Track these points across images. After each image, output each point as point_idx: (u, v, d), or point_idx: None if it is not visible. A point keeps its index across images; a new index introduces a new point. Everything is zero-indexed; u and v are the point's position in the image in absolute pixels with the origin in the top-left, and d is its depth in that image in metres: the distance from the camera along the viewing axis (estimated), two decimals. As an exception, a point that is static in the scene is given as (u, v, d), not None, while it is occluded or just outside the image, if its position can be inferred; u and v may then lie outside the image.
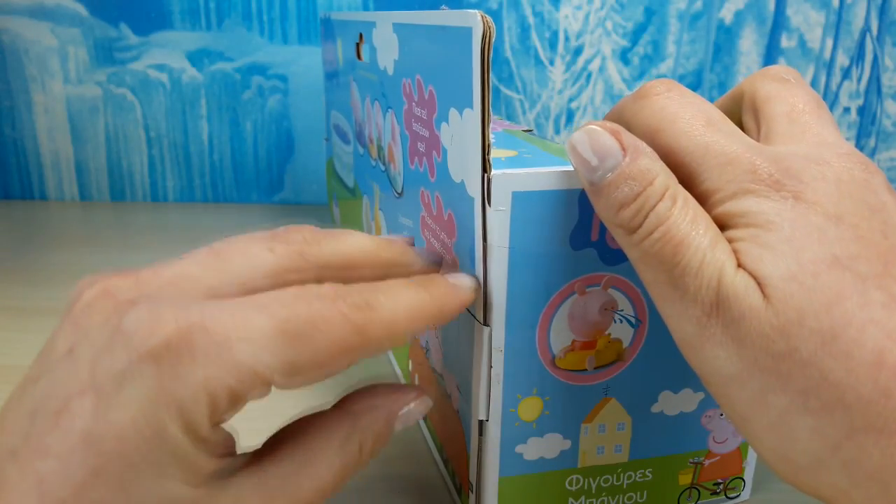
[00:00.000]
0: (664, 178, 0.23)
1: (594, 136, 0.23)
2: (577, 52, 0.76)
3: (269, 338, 0.20)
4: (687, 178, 0.23)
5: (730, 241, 0.22)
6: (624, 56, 0.76)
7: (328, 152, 0.64)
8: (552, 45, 0.76)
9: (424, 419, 0.37)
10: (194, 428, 0.20)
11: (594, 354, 0.28)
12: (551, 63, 0.77)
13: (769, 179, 0.22)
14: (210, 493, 0.21)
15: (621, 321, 0.28)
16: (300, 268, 0.24)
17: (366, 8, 0.75)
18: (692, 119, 0.24)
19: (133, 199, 0.81)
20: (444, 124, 0.28)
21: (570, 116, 0.78)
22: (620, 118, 0.26)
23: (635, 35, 0.76)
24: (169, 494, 0.20)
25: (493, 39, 0.24)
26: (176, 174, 0.80)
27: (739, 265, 0.21)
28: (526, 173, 0.25)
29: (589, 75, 0.77)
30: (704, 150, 0.23)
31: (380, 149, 0.41)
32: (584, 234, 0.27)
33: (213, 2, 0.74)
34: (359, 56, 0.44)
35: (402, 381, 0.42)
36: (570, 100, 0.78)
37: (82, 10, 0.75)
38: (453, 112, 0.27)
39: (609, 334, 0.28)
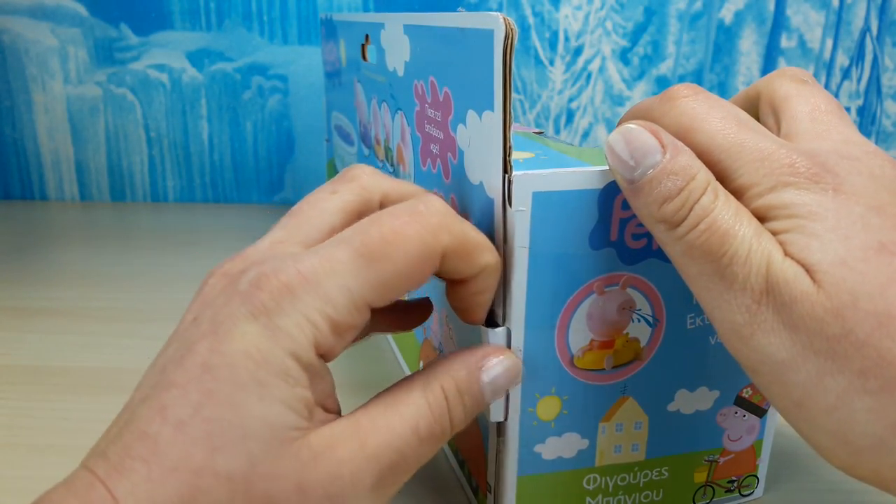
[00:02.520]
0: (705, 173, 0.23)
1: (634, 135, 0.24)
2: (577, 52, 0.76)
3: (350, 264, 0.23)
4: (721, 175, 0.24)
5: (772, 232, 0.22)
6: (624, 56, 0.77)
7: (329, 153, 0.64)
8: (552, 45, 0.76)
9: None
10: (299, 353, 0.22)
11: (612, 354, 0.28)
12: (551, 63, 0.77)
13: (808, 172, 0.22)
14: (307, 428, 0.23)
15: (639, 321, 0.28)
16: (365, 199, 0.27)
17: (366, 8, 0.75)
18: (724, 118, 0.24)
19: (133, 199, 0.81)
20: (460, 126, 0.29)
21: (570, 116, 0.79)
22: (648, 119, 0.26)
23: (635, 35, 0.76)
24: (271, 414, 0.22)
25: (515, 42, 0.24)
26: (176, 174, 0.80)
27: (786, 253, 0.22)
28: (546, 174, 0.25)
29: (589, 75, 0.77)
30: (739, 147, 0.23)
31: (388, 150, 0.41)
32: (603, 234, 0.27)
33: (213, 2, 0.74)
34: (364, 57, 0.44)
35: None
36: (570, 100, 0.78)
37: (82, 10, 0.74)
38: (472, 114, 0.27)
39: (627, 334, 0.28)
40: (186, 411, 0.22)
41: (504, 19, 0.24)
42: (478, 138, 0.27)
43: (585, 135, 0.79)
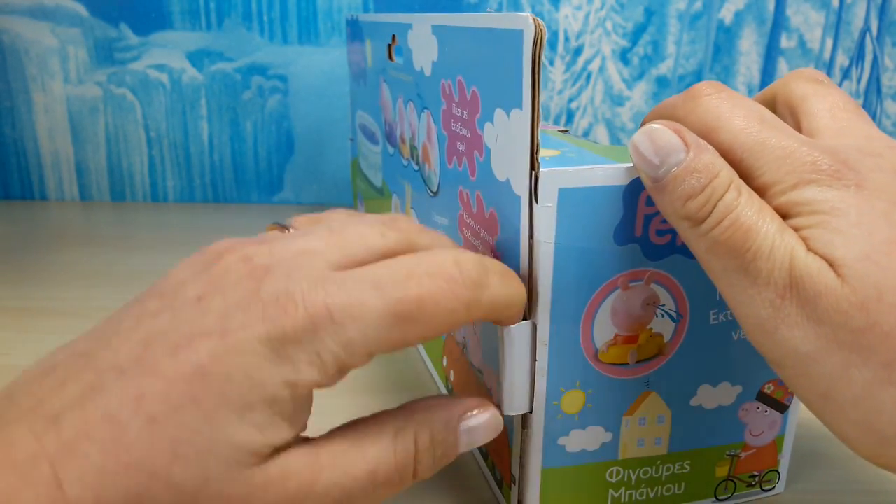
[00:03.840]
0: (728, 171, 0.23)
1: (657, 134, 0.24)
2: (577, 52, 0.77)
3: (380, 319, 0.23)
4: (744, 173, 0.24)
5: (795, 228, 0.22)
6: (624, 56, 0.77)
7: (353, 152, 0.64)
8: (552, 45, 0.76)
9: None
10: (297, 386, 0.22)
11: (636, 349, 0.28)
12: (551, 63, 0.77)
13: (829, 170, 0.22)
14: (270, 456, 0.22)
15: (663, 316, 0.28)
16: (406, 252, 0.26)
17: (366, 9, 0.75)
18: (747, 117, 0.24)
19: (133, 199, 0.81)
20: (487, 124, 0.29)
21: (570, 116, 0.79)
22: (672, 118, 0.26)
23: (635, 35, 0.76)
24: (242, 436, 0.21)
25: (544, 41, 0.24)
26: (176, 174, 0.80)
27: (809, 249, 0.22)
28: (572, 170, 0.26)
29: (589, 75, 0.77)
30: (762, 145, 0.24)
31: (413, 148, 0.41)
32: (628, 230, 0.27)
33: (213, 2, 0.74)
34: (390, 57, 0.45)
35: (437, 380, 0.42)
36: (570, 100, 0.78)
37: (82, 10, 0.74)
38: (499, 112, 0.27)
39: (651, 329, 0.28)
40: (163, 409, 0.21)
41: (534, 19, 0.24)
42: (505, 136, 0.27)
43: (585, 135, 0.79)
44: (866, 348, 0.21)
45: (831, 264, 0.21)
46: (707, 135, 0.25)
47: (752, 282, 0.22)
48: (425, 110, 0.37)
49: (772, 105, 0.28)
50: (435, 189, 0.37)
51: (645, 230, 0.27)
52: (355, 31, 0.56)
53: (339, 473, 0.23)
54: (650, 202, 0.26)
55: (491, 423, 0.26)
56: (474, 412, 0.26)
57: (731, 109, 0.25)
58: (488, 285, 0.24)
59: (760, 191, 0.23)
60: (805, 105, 0.26)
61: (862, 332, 0.21)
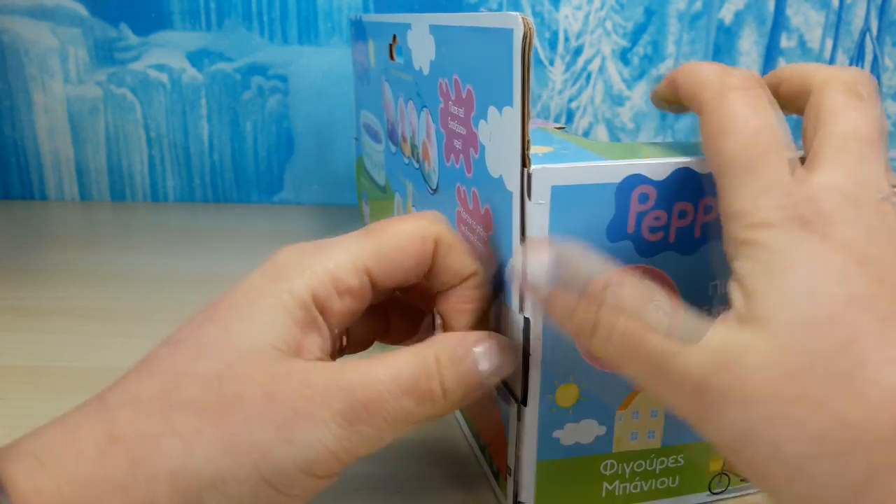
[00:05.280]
0: (603, 276, 0.24)
1: (533, 252, 0.25)
2: (577, 52, 0.77)
3: (353, 237, 0.27)
4: (723, 193, 0.23)
5: (742, 274, 0.22)
6: (624, 56, 0.77)
7: (358, 151, 0.64)
8: (552, 45, 0.76)
9: (461, 410, 0.38)
10: (294, 290, 0.25)
11: None
12: (551, 63, 0.77)
13: (799, 217, 0.22)
14: (287, 352, 0.24)
15: (655, 311, 0.28)
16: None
17: (366, 9, 0.75)
18: (756, 132, 0.23)
19: (133, 199, 0.81)
20: (482, 122, 0.29)
21: (570, 116, 0.79)
22: (693, 96, 0.26)
23: (635, 35, 0.76)
24: (255, 330, 0.24)
25: (533, 39, 0.25)
26: (176, 174, 0.80)
27: (744, 312, 0.21)
28: (565, 168, 0.26)
29: (589, 75, 0.77)
30: (751, 172, 0.23)
31: (413, 147, 0.41)
32: (620, 227, 0.27)
33: (213, 2, 0.74)
34: (392, 57, 0.45)
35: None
36: (570, 100, 0.78)
37: (82, 10, 0.74)
38: (492, 110, 0.28)
39: None
40: (185, 334, 0.25)
41: (522, 18, 0.24)
42: (498, 133, 0.28)
43: (584, 135, 0.79)
44: (796, 421, 0.20)
45: (767, 328, 0.21)
46: (715, 138, 0.24)
47: (670, 379, 0.22)
48: (424, 108, 0.37)
49: (802, 95, 0.27)
50: (434, 186, 0.37)
51: (637, 227, 0.27)
52: (359, 31, 0.56)
53: (361, 373, 0.24)
54: (643, 199, 0.27)
55: (504, 345, 0.27)
56: (486, 339, 0.27)
57: (746, 119, 0.24)
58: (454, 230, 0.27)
59: (730, 216, 0.23)
60: (827, 122, 0.25)
61: (792, 404, 0.20)
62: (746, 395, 0.20)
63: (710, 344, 0.21)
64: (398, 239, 0.27)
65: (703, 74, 0.26)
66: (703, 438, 0.22)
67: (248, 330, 0.24)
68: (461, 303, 0.29)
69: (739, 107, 0.24)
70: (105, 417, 0.23)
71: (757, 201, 0.22)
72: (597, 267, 0.24)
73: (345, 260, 0.26)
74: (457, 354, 0.26)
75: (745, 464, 0.21)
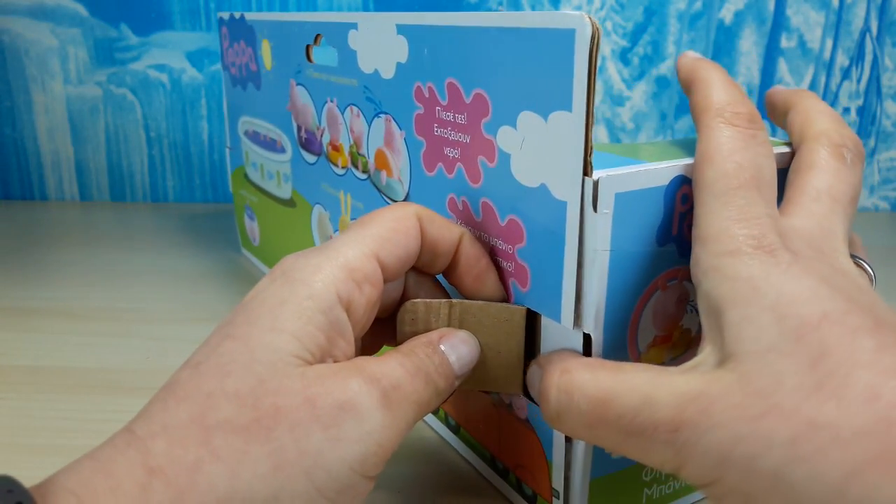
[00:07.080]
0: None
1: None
2: (578, 52, 0.76)
3: (350, 232, 0.28)
4: (699, 216, 0.24)
5: (715, 298, 0.23)
6: (624, 56, 0.77)
7: (235, 161, 0.61)
8: (552, 45, 0.76)
9: (459, 430, 0.36)
10: (313, 294, 0.25)
11: (670, 347, 0.29)
12: (551, 63, 0.77)
13: (769, 248, 0.22)
14: (311, 362, 0.25)
15: (691, 311, 0.28)
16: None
17: (366, 8, 0.75)
18: (740, 168, 0.24)
19: (133, 199, 0.81)
20: (505, 128, 0.28)
21: (570, 116, 0.78)
22: (703, 105, 0.26)
23: (635, 35, 0.76)
24: (278, 341, 0.24)
25: (600, 41, 0.24)
26: (176, 174, 0.80)
27: (710, 347, 0.23)
28: (626, 173, 0.25)
29: (589, 75, 0.77)
30: (729, 201, 0.24)
31: (356, 156, 0.39)
32: (667, 230, 0.26)
33: (213, 2, 0.74)
34: (309, 58, 0.43)
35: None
36: (570, 100, 0.78)
37: (82, 11, 0.74)
38: (528, 115, 0.26)
39: (681, 325, 0.28)
40: (204, 355, 0.24)
41: (589, 18, 0.23)
42: (540, 140, 0.26)
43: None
44: (766, 434, 0.20)
45: (728, 358, 0.21)
46: (699, 163, 0.25)
47: (642, 441, 0.23)
48: (382, 115, 0.36)
49: (798, 136, 0.28)
50: (402, 198, 0.36)
51: (680, 228, 0.27)
52: (237, 31, 0.53)
53: (377, 365, 0.25)
54: (685, 200, 0.26)
55: (465, 338, 0.29)
56: (446, 334, 0.29)
57: (732, 152, 0.24)
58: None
59: (701, 240, 0.24)
60: (809, 174, 0.26)
61: (760, 419, 0.20)
62: (714, 422, 0.21)
63: (678, 388, 0.22)
64: (391, 221, 0.28)
65: (714, 99, 0.26)
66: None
67: (272, 342, 0.24)
68: (473, 264, 0.29)
69: (729, 140, 0.25)
70: (138, 448, 0.22)
71: (729, 229, 0.23)
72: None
73: (353, 250, 0.27)
74: (430, 349, 0.27)
75: (727, 491, 0.21)
